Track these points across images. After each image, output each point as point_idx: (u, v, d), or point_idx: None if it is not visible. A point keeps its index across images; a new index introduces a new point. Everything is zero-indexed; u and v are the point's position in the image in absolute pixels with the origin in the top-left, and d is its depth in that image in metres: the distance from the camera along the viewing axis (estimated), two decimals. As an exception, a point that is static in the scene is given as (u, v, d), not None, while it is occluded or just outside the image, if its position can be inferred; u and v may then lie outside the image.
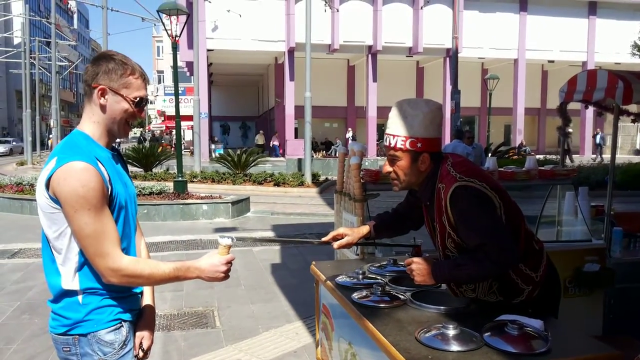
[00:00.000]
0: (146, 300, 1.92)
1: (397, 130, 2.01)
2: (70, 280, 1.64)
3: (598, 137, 26.68)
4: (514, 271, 1.99)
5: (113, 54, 1.72)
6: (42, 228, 1.66)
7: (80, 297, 1.65)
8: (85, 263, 1.64)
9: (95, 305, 1.66)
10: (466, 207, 1.91)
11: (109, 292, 1.67)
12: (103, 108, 1.68)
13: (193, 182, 14.76)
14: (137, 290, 1.80)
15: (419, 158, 2.01)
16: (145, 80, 1.74)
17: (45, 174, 1.59)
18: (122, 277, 1.61)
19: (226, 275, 1.74)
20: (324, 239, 2.39)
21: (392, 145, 2.02)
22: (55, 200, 1.59)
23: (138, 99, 1.70)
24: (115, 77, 1.66)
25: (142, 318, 1.88)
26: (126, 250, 1.74)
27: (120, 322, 1.70)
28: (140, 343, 1.82)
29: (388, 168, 2.09)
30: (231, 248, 1.78)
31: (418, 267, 2.01)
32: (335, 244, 2.34)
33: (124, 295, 1.72)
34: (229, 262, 1.75)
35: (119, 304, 1.70)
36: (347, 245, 2.38)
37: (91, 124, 1.70)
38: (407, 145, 1.99)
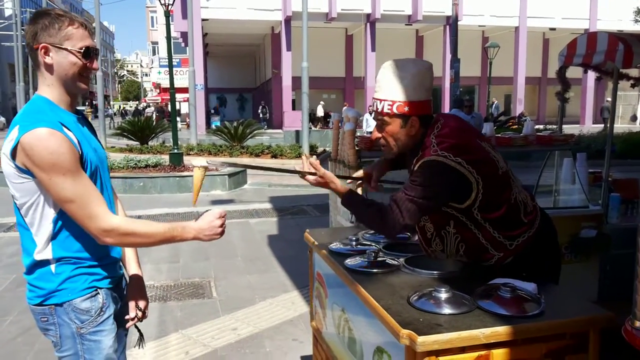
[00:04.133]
0: (131, 269, 1.89)
1: (384, 94, 1.95)
2: (42, 249, 1.61)
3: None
4: (485, 236, 1.94)
5: (48, 9, 1.62)
6: (13, 197, 1.61)
7: (53, 267, 1.61)
8: (59, 232, 1.60)
9: (69, 274, 1.62)
10: (418, 175, 1.88)
11: (83, 260, 1.64)
12: (50, 68, 1.59)
13: (189, 154, 14.68)
14: (114, 255, 1.76)
15: (408, 122, 1.95)
16: (87, 29, 1.63)
17: (9, 144, 1.52)
18: (118, 236, 1.57)
19: (222, 230, 1.72)
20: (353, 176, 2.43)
21: (380, 109, 1.96)
22: (24, 169, 1.53)
23: (84, 48, 1.60)
24: (53, 32, 1.57)
25: (131, 285, 1.86)
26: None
27: (96, 290, 1.67)
28: (136, 304, 1.81)
29: (377, 134, 2.03)
30: (207, 171, 1.81)
31: (322, 176, 2.09)
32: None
33: (99, 264, 1.68)
34: (222, 217, 1.72)
35: (94, 272, 1.67)
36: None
37: (47, 88, 1.62)
38: (395, 110, 1.93)
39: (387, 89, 1.94)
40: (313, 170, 2.11)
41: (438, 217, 1.99)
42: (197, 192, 1.89)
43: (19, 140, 1.50)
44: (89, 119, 1.85)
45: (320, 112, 28.14)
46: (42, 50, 1.58)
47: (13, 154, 1.52)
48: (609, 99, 25.77)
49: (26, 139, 1.49)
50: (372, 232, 2.48)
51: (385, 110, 1.94)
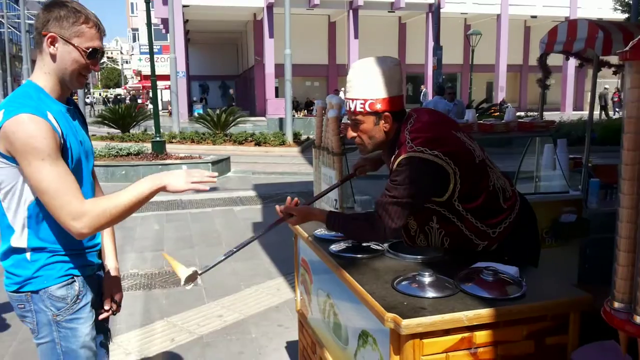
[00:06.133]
0: (108, 260, 1.87)
1: (355, 93, 1.95)
2: (18, 237, 1.60)
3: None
4: (468, 228, 1.97)
5: (67, 0, 1.60)
6: None
7: (28, 254, 1.61)
8: (35, 219, 1.59)
9: (44, 261, 1.61)
10: (396, 175, 1.88)
11: (58, 249, 1.62)
12: (53, 57, 1.58)
13: (172, 142, 14.55)
14: (91, 244, 1.74)
15: (381, 119, 1.96)
16: (100, 30, 1.63)
17: None
18: (88, 221, 1.51)
19: (201, 182, 1.59)
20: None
21: (353, 109, 1.96)
22: (5, 155, 1.51)
23: (91, 49, 1.60)
24: (66, 25, 1.56)
25: (107, 277, 1.85)
26: None
27: (72, 277, 1.66)
28: (111, 297, 1.80)
29: (352, 133, 2.03)
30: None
31: (298, 214, 2.09)
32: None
33: (75, 252, 1.67)
34: (196, 175, 1.60)
35: (70, 260, 1.65)
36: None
37: (42, 75, 1.60)
38: (367, 108, 1.94)
39: (358, 88, 1.94)
40: (289, 213, 2.10)
41: (420, 213, 2.01)
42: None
43: (2, 125, 1.48)
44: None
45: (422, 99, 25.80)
46: (49, 39, 1.56)
47: None
48: (607, 87, 25.97)
49: (9, 124, 1.47)
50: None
51: (358, 109, 1.95)
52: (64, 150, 1.56)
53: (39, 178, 1.49)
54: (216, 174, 1.68)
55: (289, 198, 2.16)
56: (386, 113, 1.94)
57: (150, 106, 27.16)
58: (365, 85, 1.93)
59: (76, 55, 1.58)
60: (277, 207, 2.15)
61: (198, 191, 1.61)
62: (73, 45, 1.57)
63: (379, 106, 1.93)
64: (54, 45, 1.57)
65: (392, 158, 1.94)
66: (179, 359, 3.24)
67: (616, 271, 1.40)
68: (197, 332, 3.58)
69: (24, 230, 1.59)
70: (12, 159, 1.51)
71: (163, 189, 1.58)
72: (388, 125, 1.96)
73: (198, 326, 3.67)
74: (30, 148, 1.47)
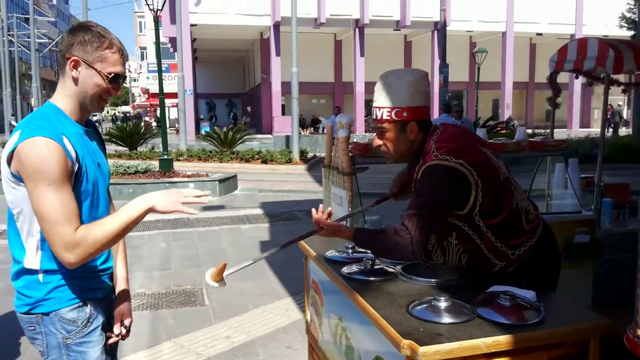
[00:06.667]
0: (119, 283, 1.85)
1: (382, 102, 1.99)
2: (32, 258, 1.58)
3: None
4: (487, 246, 1.94)
5: (92, 24, 1.62)
6: (7, 202, 1.59)
7: (40, 276, 1.59)
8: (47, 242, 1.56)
9: (56, 283, 1.60)
10: (421, 184, 1.89)
11: (71, 271, 1.59)
12: (75, 81, 1.59)
13: (179, 160, 14.60)
14: (104, 267, 1.73)
15: (406, 128, 1.98)
16: (123, 55, 1.64)
17: (8, 148, 1.52)
18: (80, 252, 1.48)
19: (190, 203, 1.56)
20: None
21: (379, 117, 2.01)
22: (16, 176, 1.51)
23: (113, 74, 1.61)
24: (90, 50, 1.58)
25: (118, 300, 1.82)
26: None
27: (84, 300, 1.64)
28: (122, 321, 1.78)
29: (378, 141, 2.07)
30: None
31: (327, 229, 2.05)
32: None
33: (87, 275, 1.65)
34: (186, 195, 1.57)
35: (82, 282, 1.64)
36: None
37: (63, 97, 1.62)
38: (393, 116, 1.97)
39: (386, 96, 1.98)
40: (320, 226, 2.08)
41: (440, 227, 1.98)
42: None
43: (16, 146, 1.49)
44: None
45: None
46: (72, 63, 1.58)
47: (9, 160, 1.51)
48: (620, 103, 25.90)
49: (23, 145, 1.48)
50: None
51: (385, 117, 1.98)
52: (78, 173, 1.56)
53: (40, 202, 1.48)
54: (208, 192, 1.66)
55: (320, 206, 2.12)
56: (412, 122, 1.97)
57: (154, 124, 27.26)
58: (392, 93, 1.97)
59: (98, 79, 1.60)
60: (314, 211, 2.10)
61: (186, 213, 1.57)
62: (95, 69, 1.59)
63: (405, 114, 1.96)
64: (76, 69, 1.58)
65: (417, 168, 1.94)
66: (186, 382, 3.19)
67: (639, 296, 1.36)
68: (204, 354, 3.53)
69: (38, 252, 1.58)
70: (22, 179, 1.51)
71: (152, 209, 1.55)
72: (413, 135, 1.99)
73: (205, 347, 3.63)
74: (38, 172, 1.46)
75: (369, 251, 2.13)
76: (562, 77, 4.23)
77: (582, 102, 31.42)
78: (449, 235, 1.98)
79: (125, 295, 1.85)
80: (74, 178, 1.55)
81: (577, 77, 4.25)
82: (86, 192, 1.60)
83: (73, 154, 1.54)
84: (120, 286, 1.85)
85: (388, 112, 1.97)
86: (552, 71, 4.14)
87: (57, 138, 1.50)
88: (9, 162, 1.52)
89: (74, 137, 1.58)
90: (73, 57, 1.57)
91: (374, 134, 2.14)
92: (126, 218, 1.54)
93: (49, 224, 1.49)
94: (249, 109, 32.80)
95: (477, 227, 1.93)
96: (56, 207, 1.48)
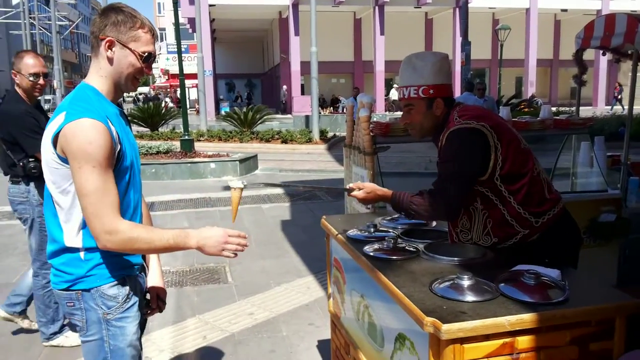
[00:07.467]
0: (152, 259, 1.92)
1: (409, 81, 2.10)
2: (73, 237, 1.62)
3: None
4: (510, 212, 2.01)
5: (122, 6, 1.65)
6: (46, 182, 1.62)
7: (82, 254, 1.63)
8: None
9: (98, 261, 1.63)
10: (446, 148, 2.02)
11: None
12: (110, 61, 1.63)
13: (200, 140, 14.71)
14: None
15: (433, 104, 2.09)
16: (154, 35, 1.68)
17: (53, 129, 1.54)
18: (118, 240, 1.53)
19: (233, 251, 1.63)
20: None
21: (406, 96, 2.12)
22: (61, 157, 1.55)
23: (146, 54, 1.65)
24: (123, 30, 1.61)
25: (152, 275, 1.89)
26: (134, 212, 1.71)
27: (124, 277, 1.69)
28: (157, 295, 1.84)
29: (405, 119, 2.18)
30: (242, 193, 1.78)
31: (366, 193, 2.19)
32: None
33: (125, 253, 1.68)
34: (239, 237, 1.64)
35: (121, 260, 1.68)
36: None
37: (99, 78, 1.65)
38: (421, 93, 2.08)
39: (412, 76, 2.09)
40: (356, 187, 2.22)
41: None
42: (235, 211, 1.86)
43: (62, 127, 1.51)
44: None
45: (394, 96, 25.55)
46: (107, 44, 1.61)
47: (54, 141, 1.54)
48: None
49: (70, 127, 1.51)
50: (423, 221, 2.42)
51: (412, 94, 2.10)
52: (119, 153, 1.59)
53: (86, 180, 1.51)
54: (247, 240, 1.68)
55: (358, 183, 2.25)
56: (438, 99, 2.08)
57: (170, 104, 27.35)
58: (418, 73, 2.08)
59: (132, 59, 1.63)
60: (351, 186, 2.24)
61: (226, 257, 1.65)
62: (130, 49, 1.62)
63: (431, 91, 2.07)
64: (111, 49, 1.61)
65: (441, 136, 2.07)
66: (211, 357, 3.27)
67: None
68: (228, 330, 3.61)
69: (79, 231, 1.61)
70: (67, 160, 1.54)
71: (199, 249, 1.62)
72: (439, 110, 2.10)
73: (229, 324, 3.70)
74: (86, 153, 1.49)
75: (403, 214, 2.20)
76: (588, 54, 4.12)
77: (607, 80, 30.59)
78: (474, 201, 2.07)
79: (158, 270, 1.91)
80: (116, 157, 1.59)
81: (604, 54, 4.14)
82: (125, 170, 1.64)
83: (115, 135, 1.58)
84: (152, 263, 1.91)
85: (415, 90, 2.08)
86: (578, 48, 4.04)
87: (102, 120, 1.53)
88: (54, 143, 1.54)
89: (114, 118, 1.61)
90: (107, 38, 1.60)
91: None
92: (172, 244, 1.59)
93: (91, 202, 1.52)
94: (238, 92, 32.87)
95: (499, 193, 2.01)
96: (101, 187, 1.52)
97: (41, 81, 3.21)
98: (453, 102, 2.14)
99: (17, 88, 3.24)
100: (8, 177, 3.37)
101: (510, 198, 2.00)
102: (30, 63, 3.16)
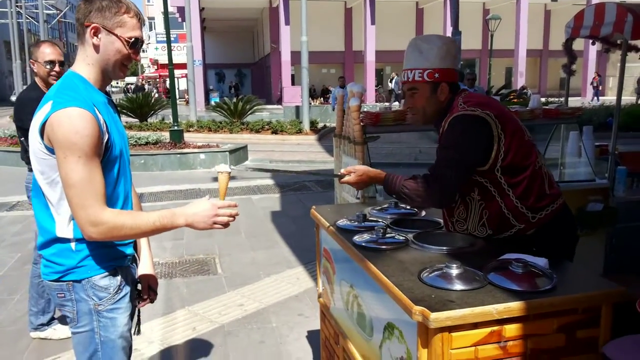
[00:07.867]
0: (143, 249, 1.90)
1: (414, 64, 2.04)
2: (64, 227, 1.59)
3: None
4: (508, 205, 1.97)
5: None
6: (34, 172, 1.60)
7: (73, 244, 1.60)
8: None
9: (89, 251, 1.61)
10: (448, 134, 1.96)
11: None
12: (96, 48, 1.58)
13: (189, 131, 14.62)
14: None
15: (437, 88, 2.04)
16: (140, 20, 1.64)
17: (40, 118, 1.51)
18: (103, 230, 1.51)
19: (224, 223, 1.62)
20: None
21: (411, 79, 2.05)
22: (48, 147, 1.51)
23: (133, 39, 1.60)
24: (108, 15, 1.56)
25: (143, 265, 1.88)
26: (125, 202, 1.68)
27: (115, 268, 1.67)
28: (148, 285, 1.84)
29: (408, 103, 2.12)
30: (230, 179, 1.74)
31: (358, 176, 2.10)
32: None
33: (117, 243, 1.67)
34: (229, 208, 1.63)
35: (112, 251, 1.66)
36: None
37: (86, 66, 1.61)
38: (425, 77, 2.02)
39: (417, 59, 2.03)
40: (347, 172, 2.12)
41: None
42: (224, 196, 1.84)
43: (49, 116, 1.48)
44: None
45: (393, 86, 25.16)
46: (92, 30, 1.57)
47: (42, 130, 1.51)
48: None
49: (56, 116, 1.47)
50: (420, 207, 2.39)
51: (417, 78, 2.03)
52: (107, 142, 1.56)
53: (71, 170, 1.48)
54: (237, 209, 1.67)
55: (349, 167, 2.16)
56: (443, 83, 2.02)
57: (156, 95, 27.24)
58: (424, 56, 2.01)
59: (119, 45, 1.59)
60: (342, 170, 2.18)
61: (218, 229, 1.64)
62: (116, 35, 1.58)
63: (436, 75, 2.01)
64: (97, 36, 1.57)
65: (443, 122, 2.01)
66: (201, 348, 3.27)
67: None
68: (218, 321, 3.60)
69: (70, 222, 1.59)
70: (54, 150, 1.51)
71: (190, 227, 1.61)
72: (444, 95, 2.04)
73: (219, 315, 3.70)
74: (71, 143, 1.46)
75: (394, 197, 2.13)
76: (577, 45, 4.13)
77: (596, 70, 30.77)
78: (472, 191, 2.02)
79: (149, 258, 1.90)
80: (104, 147, 1.56)
81: (593, 44, 4.15)
82: (115, 160, 1.61)
83: (103, 124, 1.55)
84: (143, 253, 1.89)
85: (420, 73, 2.02)
86: (567, 37, 4.05)
87: (90, 108, 1.50)
88: (41, 133, 1.51)
89: (101, 107, 1.58)
90: (93, 25, 1.56)
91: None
92: (160, 225, 1.57)
93: (76, 194, 1.49)
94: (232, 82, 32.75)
95: (498, 185, 1.96)
96: (86, 178, 1.49)
97: (57, 68, 3.25)
98: (458, 88, 2.07)
99: (35, 77, 3.32)
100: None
101: (509, 191, 1.95)
102: (46, 51, 3.24)
